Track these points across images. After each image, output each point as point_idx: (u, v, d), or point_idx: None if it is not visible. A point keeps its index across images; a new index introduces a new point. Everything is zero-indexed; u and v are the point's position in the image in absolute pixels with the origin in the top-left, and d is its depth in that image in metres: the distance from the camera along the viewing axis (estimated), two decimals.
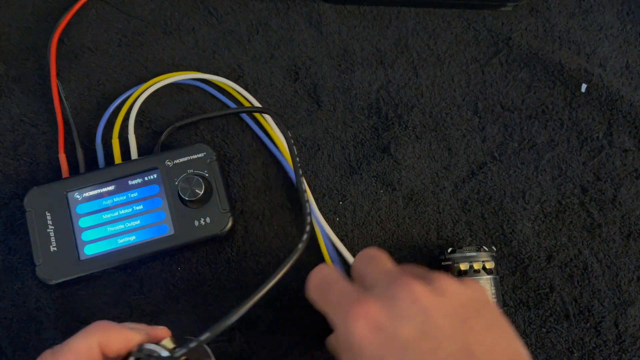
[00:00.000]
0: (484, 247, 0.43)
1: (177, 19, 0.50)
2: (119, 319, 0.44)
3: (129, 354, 0.32)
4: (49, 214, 0.43)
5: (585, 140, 0.48)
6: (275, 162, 0.47)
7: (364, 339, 0.30)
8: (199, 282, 0.45)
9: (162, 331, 0.35)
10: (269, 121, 0.48)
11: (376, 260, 0.35)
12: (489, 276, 0.42)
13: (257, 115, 0.48)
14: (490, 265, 0.42)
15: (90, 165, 0.46)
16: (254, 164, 0.48)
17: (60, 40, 0.49)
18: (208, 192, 0.43)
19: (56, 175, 0.46)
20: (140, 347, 0.32)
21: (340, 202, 0.47)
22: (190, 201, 0.43)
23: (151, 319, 0.44)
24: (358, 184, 0.47)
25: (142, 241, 0.43)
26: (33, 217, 0.43)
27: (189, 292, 0.45)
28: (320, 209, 0.46)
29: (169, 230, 0.43)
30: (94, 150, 0.46)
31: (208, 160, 0.44)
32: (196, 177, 0.43)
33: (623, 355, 0.44)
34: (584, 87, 0.49)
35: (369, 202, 0.47)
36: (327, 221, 0.46)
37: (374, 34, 0.50)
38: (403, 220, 0.47)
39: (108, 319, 0.44)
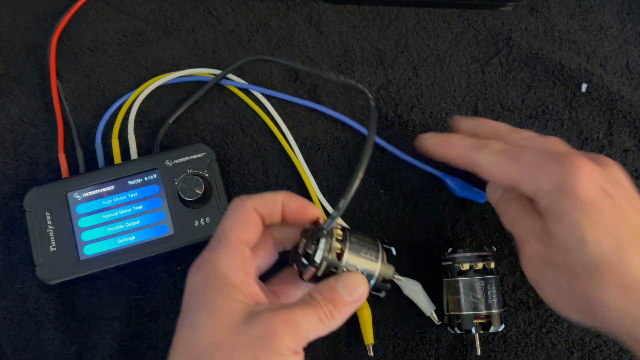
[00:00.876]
0: (484, 247, 0.43)
1: (177, 19, 0.50)
2: (119, 319, 0.44)
3: (313, 223, 0.36)
4: (48, 214, 0.43)
5: (585, 140, 0.48)
6: (275, 162, 0.47)
7: (597, 198, 0.31)
8: None
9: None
10: (271, 119, 0.48)
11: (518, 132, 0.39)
12: (489, 276, 0.42)
13: (261, 113, 0.48)
14: (490, 265, 0.42)
15: (90, 165, 0.46)
16: (254, 164, 0.48)
17: (60, 40, 0.49)
18: (208, 192, 0.43)
19: (56, 175, 0.46)
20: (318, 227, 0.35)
21: (342, 201, 0.47)
22: (190, 201, 0.43)
23: (151, 319, 0.45)
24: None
25: (142, 241, 0.43)
26: (33, 217, 0.43)
27: None
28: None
29: (168, 230, 0.43)
30: (94, 150, 0.46)
31: (208, 160, 0.44)
32: (196, 177, 0.43)
33: (623, 355, 0.44)
34: (584, 87, 0.49)
35: (368, 202, 0.47)
36: None
37: (374, 34, 0.50)
38: (403, 220, 0.47)
39: (108, 319, 0.44)
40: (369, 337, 0.43)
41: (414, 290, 0.44)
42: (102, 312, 0.45)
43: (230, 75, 0.48)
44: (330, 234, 0.35)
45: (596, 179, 0.32)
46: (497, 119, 0.48)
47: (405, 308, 0.45)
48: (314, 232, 0.35)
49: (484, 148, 0.37)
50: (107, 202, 0.44)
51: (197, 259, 0.34)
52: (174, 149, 0.45)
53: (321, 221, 0.36)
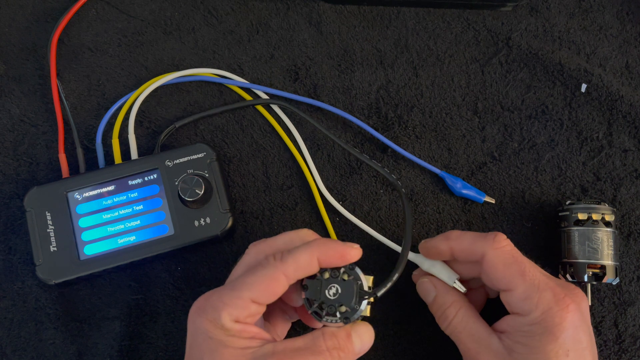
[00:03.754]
0: (604, 202, 0.43)
1: (177, 19, 0.50)
2: (119, 319, 0.44)
3: (341, 267, 0.36)
4: (49, 214, 0.43)
5: (585, 140, 0.48)
6: (275, 162, 0.47)
7: (569, 335, 0.34)
8: (199, 282, 0.45)
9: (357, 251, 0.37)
10: (276, 116, 0.48)
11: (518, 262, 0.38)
12: (607, 229, 0.42)
13: (262, 111, 0.48)
14: (610, 218, 0.42)
15: (90, 165, 0.46)
16: (254, 164, 0.48)
17: (60, 40, 0.49)
18: (208, 192, 0.43)
19: (56, 175, 0.46)
20: (351, 266, 0.36)
21: (340, 202, 0.47)
22: (190, 201, 0.43)
23: (151, 319, 0.45)
24: (358, 184, 0.47)
25: (142, 241, 0.43)
26: (33, 217, 0.43)
27: (189, 292, 0.45)
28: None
29: (169, 230, 0.43)
30: (94, 150, 0.46)
31: (208, 160, 0.44)
32: (196, 177, 0.43)
33: (623, 355, 0.44)
34: (584, 87, 0.49)
35: (369, 202, 0.47)
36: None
37: (374, 34, 0.50)
38: (403, 220, 0.47)
39: (108, 319, 0.44)
40: None
41: (432, 264, 0.42)
42: (102, 312, 0.45)
43: (231, 75, 0.48)
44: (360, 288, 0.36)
45: (575, 322, 0.35)
46: (497, 119, 0.48)
47: (405, 308, 0.45)
48: (359, 292, 0.35)
49: (495, 242, 0.38)
50: (108, 202, 0.44)
51: (203, 298, 0.35)
52: (174, 149, 0.45)
53: (356, 258, 0.36)
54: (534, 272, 0.36)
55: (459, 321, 0.39)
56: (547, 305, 0.35)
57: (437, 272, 0.41)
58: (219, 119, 0.48)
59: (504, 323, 0.37)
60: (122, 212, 0.44)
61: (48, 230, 0.43)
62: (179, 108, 0.48)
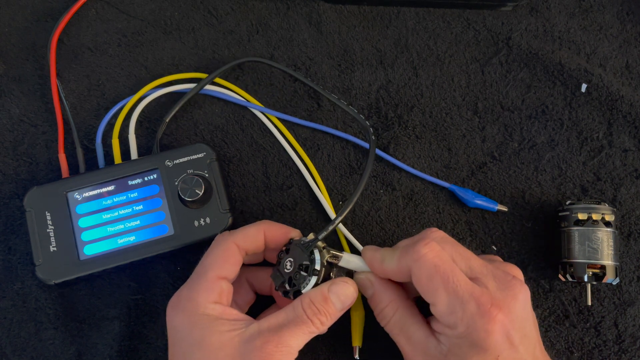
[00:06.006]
0: (605, 202, 0.43)
1: (177, 19, 0.50)
2: (119, 319, 0.44)
3: (288, 242, 0.39)
4: (48, 214, 0.43)
5: (585, 140, 0.48)
6: (275, 162, 0.47)
7: (501, 347, 0.33)
8: None
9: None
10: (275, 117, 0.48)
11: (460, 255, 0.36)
12: (607, 229, 0.42)
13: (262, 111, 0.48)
14: (610, 218, 0.42)
15: (90, 165, 0.46)
16: (254, 164, 0.48)
17: (60, 40, 0.49)
18: (208, 192, 0.43)
19: (56, 175, 0.46)
20: (291, 240, 0.39)
21: (340, 202, 0.47)
22: (190, 201, 0.43)
23: (151, 319, 0.45)
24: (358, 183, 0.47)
25: (142, 241, 0.43)
26: (33, 217, 0.43)
27: None
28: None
29: (169, 230, 0.43)
30: (94, 150, 0.46)
31: (208, 160, 0.44)
32: (196, 177, 0.43)
33: (623, 355, 0.44)
34: (584, 87, 0.49)
35: (369, 202, 0.47)
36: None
37: (374, 34, 0.50)
38: (403, 220, 0.47)
39: (108, 319, 0.44)
40: (356, 339, 0.42)
41: (347, 261, 0.40)
42: (102, 312, 0.45)
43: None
44: (318, 247, 0.38)
45: (505, 327, 0.33)
46: (497, 119, 0.48)
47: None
48: (304, 246, 0.37)
49: (418, 258, 0.35)
50: (107, 202, 0.44)
51: (175, 296, 0.37)
52: (174, 149, 0.45)
53: (296, 238, 0.39)
54: (458, 281, 0.34)
55: (396, 321, 0.37)
56: (470, 319, 0.33)
57: (354, 266, 0.40)
58: (219, 119, 0.48)
59: (439, 326, 0.35)
60: (122, 212, 0.44)
61: (48, 230, 0.43)
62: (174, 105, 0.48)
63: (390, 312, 0.38)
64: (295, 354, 0.35)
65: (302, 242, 0.38)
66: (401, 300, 0.38)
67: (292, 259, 0.38)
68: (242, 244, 0.38)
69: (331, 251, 0.38)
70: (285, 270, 0.38)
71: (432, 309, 0.35)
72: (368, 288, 0.39)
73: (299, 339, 0.35)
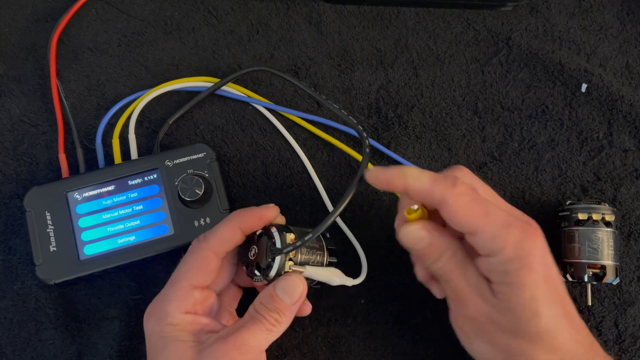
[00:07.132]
0: (604, 202, 0.43)
1: (177, 19, 0.50)
2: (119, 319, 0.44)
3: (266, 227, 0.38)
4: (48, 214, 0.43)
5: (585, 140, 0.48)
6: (275, 162, 0.47)
7: (547, 273, 0.34)
8: None
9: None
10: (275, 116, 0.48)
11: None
12: (608, 229, 0.42)
13: (262, 111, 0.48)
14: (610, 218, 0.42)
15: (90, 165, 0.46)
16: (254, 164, 0.48)
17: (60, 40, 0.49)
18: (208, 192, 0.43)
19: (56, 175, 0.46)
20: (268, 226, 0.38)
21: None
22: (190, 201, 0.43)
23: None
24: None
25: (142, 241, 0.43)
26: (33, 217, 0.43)
27: None
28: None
29: (169, 230, 0.43)
30: (94, 150, 0.46)
31: (208, 160, 0.44)
32: (196, 177, 0.43)
33: (623, 355, 0.44)
34: (584, 87, 0.49)
35: (369, 202, 0.47)
36: None
37: (374, 34, 0.50)
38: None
39: (108, 319, 0.44)
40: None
41: (312, 274, 0.39)
42: (102, 312, 0.45)
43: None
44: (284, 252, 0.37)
45: (545, 251, 0.35)
46: (497, 119, 0.48)
47: (405, 308, 0.45)
48: (270, 249, 0.37)
49: (455, 186, 0.35)
50: (107, 202, 0.44)
51: (150, 304, 0.38)
52: (174, 149, 0.45)
53: (274, 224, 0.38)
54: (497, 208, 0.35)
55: (457, 262, 0.37)
56: (517, 241, 0.34)
57: (322, 279, 0.39)
58: (219, 119, 0.48)
59: (480, 267, 0.36)
60: (122, 212, 0.44)
61: (48, 230, 0.43)
62: (179, 108, 0.48)
63: (449, 254, 0.37)
64: (258, 355, 0.36)
65: (273, 243, 0.36)
66: (456, 241, 0.37)
67: (256, 250, 0.38)
68: (218, 249, 0.38)
69: (292, 267, 0.37)
70: (250, 257, 0.38)
71: (471, 239, 0.35)
72: (424, 238, 0.37)
73: (258, 338, 0.35)
